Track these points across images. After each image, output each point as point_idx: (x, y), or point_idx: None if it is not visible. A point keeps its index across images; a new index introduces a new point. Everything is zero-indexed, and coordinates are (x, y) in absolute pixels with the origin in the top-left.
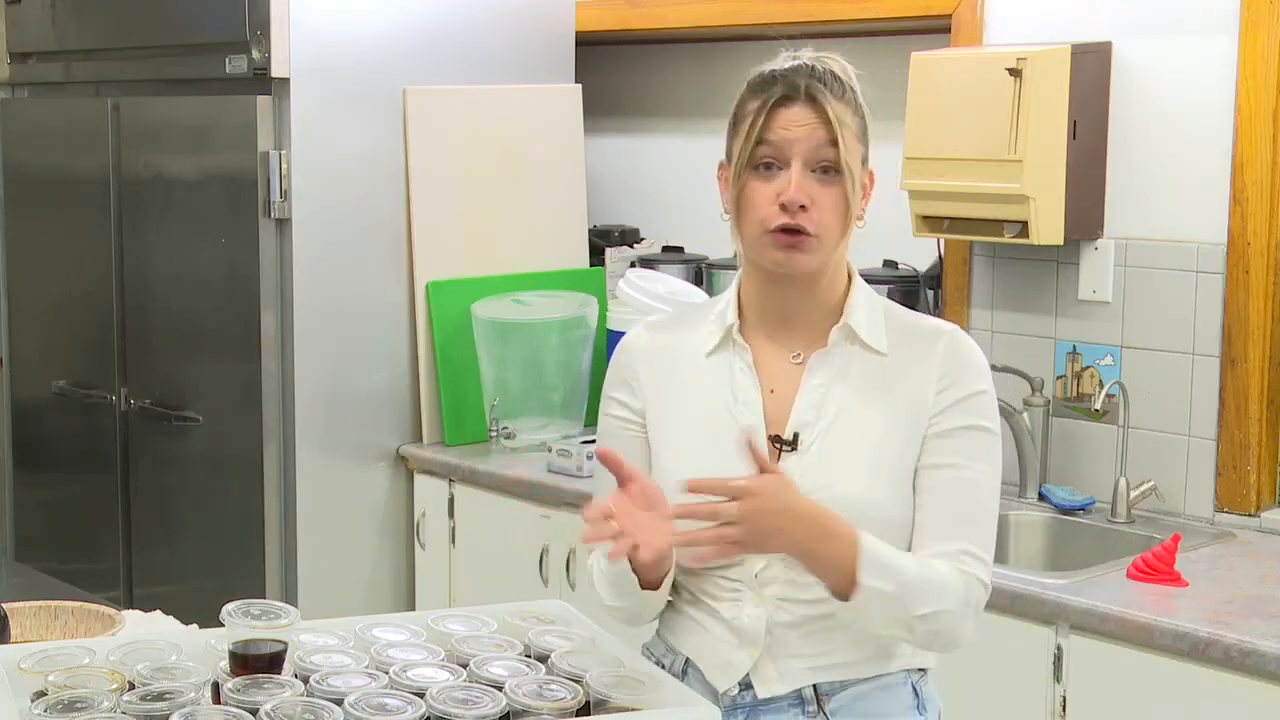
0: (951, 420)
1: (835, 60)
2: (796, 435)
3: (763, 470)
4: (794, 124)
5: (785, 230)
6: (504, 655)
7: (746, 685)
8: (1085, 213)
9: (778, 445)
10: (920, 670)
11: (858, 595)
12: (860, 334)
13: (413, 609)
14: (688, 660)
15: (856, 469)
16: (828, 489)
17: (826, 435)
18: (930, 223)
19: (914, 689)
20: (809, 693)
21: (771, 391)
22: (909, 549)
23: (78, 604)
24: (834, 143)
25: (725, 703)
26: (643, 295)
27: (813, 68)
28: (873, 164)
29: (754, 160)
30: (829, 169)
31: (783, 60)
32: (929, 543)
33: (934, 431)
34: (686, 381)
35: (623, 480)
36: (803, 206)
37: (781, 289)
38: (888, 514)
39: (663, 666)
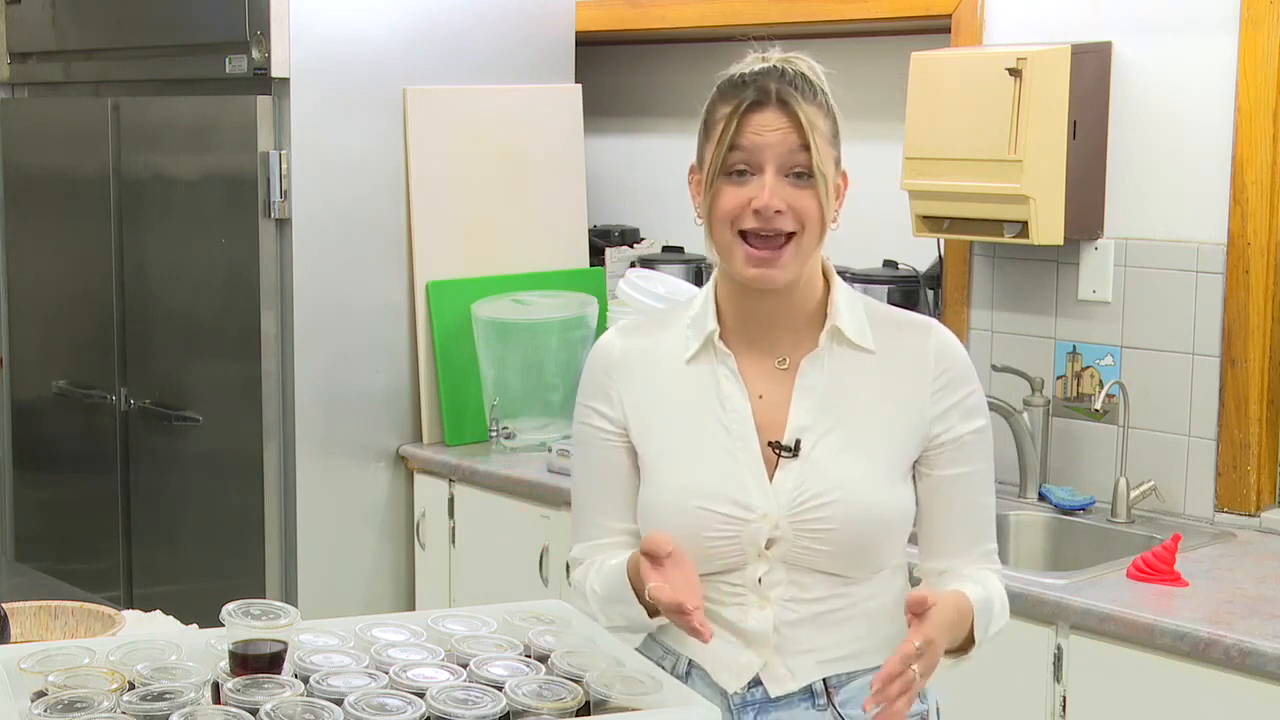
0: (957, 426)
1: (804, 60)
2: (798, 441)
3: (926, 603)
4: (766, 129)
5: (760, 236)
6: (504, 655)
7: (755, 682)
8: (1085, 213)
9: (777, 452)
10: None
11: (974, 650)
12: (847, 334)
13: (413, 609)
14: (690, 661)
15: (861, 473)
16: (834, 492)
17: (827, 439)
18: (930, 223)
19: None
20: (818, 686)
21: (760, 397)
22: (909, 540)
23: (78, 604)
24: (806, 147)
25: (735, 701)
26: (643, 295)
27: (783, 70)
28: (873, 164)
29: (726, 167)
30: (802, 174)
31: (751, 63)
32: (957, 550)
33: (945, 439)
34: (668, 389)
35: (661, 559)
36: (778, 211)
37: (758, 298)
38: (892, 513)
39: (662, 668)
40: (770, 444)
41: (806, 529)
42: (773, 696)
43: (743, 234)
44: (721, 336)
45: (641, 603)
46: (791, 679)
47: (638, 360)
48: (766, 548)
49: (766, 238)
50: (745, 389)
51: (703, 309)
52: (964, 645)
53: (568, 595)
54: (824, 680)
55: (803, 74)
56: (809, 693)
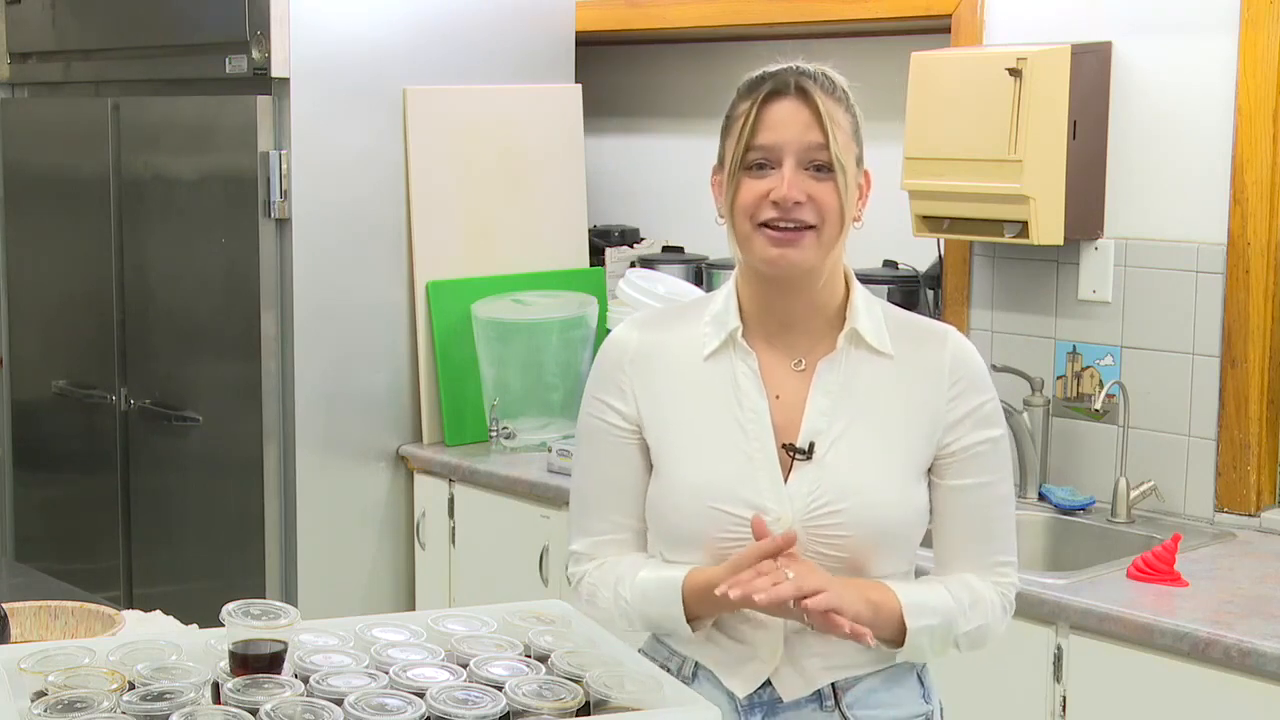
0: (970, 436)
1: (825, 67)
2: (812, 445)
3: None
4: (784, 122)
5: (779, 228)
6: (504, 655)
7: (764, 684)
8: (1085, 213)
9: (791, 454)
10: None
11: (910, 638)
12: (866, 338)
13: (413, 609)
14: (697, 664)
15: (875, 479)
16: (848, 499)
17: (841, 443)
18: (930, 223)
19: (919, 677)
20: (826, 689)
21: (777, 398)
22: (920, 545)
23: (78, 604)
24: (825, 140)
25: (742, 703)
26: (643, 295)
27: (800, 67)
28: (872, 164)
29: (747, 162)
30: (822, 166)
31: (769, 63)
32: (964, 561)
33: (954, 448)
34: (684, 385)
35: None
36: (798, 203)
37: (780, 293)
38: (905, 521)
39: (667, 670)
40: (784, 446)
41: (820, 534)
42: (785, 701)
43: (763, 224)
44: (743, 335)
45: (690, 619)
46: (803, 684)
47: (654, 354)
48: None
49: (786, 229)
50: (764, 388)
51: (724, 305)
52: (894, 635)
53: (568, 595)
54: (832, 683)
55: (824, 72)
56: (817, 695)
